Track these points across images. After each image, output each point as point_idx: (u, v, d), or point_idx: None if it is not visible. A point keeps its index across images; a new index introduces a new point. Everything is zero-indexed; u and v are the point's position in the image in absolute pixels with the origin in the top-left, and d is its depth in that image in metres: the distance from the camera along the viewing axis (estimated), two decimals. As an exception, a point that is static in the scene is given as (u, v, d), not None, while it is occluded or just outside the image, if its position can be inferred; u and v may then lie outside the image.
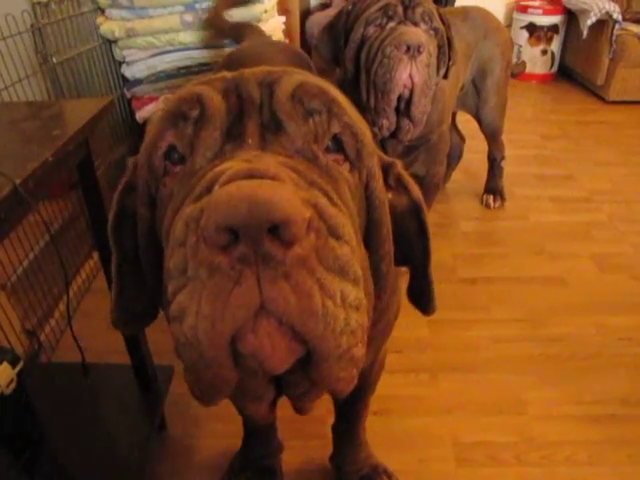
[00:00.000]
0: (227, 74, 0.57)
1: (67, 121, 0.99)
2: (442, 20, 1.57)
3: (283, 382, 0.51)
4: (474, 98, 2.28)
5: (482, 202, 2.52)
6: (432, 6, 1.54)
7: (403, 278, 0.83)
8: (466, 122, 2.68)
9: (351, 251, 0.46)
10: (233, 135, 0.51)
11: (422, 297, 0.76)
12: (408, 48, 1.43)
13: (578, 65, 4.11)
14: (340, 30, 1.59)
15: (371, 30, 1.51)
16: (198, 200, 0.45)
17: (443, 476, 1.36)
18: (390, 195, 0.66)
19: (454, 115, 2.52)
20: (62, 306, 1.90)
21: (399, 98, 1.52)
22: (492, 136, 2.41)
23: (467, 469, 1.38)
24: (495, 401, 1.55)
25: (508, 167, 2.59)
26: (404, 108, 1.54)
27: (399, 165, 0.68)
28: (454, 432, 1.47)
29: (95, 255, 2.14)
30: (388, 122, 1.57)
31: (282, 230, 0.39)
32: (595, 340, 1.77)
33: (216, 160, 0.50)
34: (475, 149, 2.80)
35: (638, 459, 1.40)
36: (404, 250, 0.69)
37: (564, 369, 1.66)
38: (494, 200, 2.49)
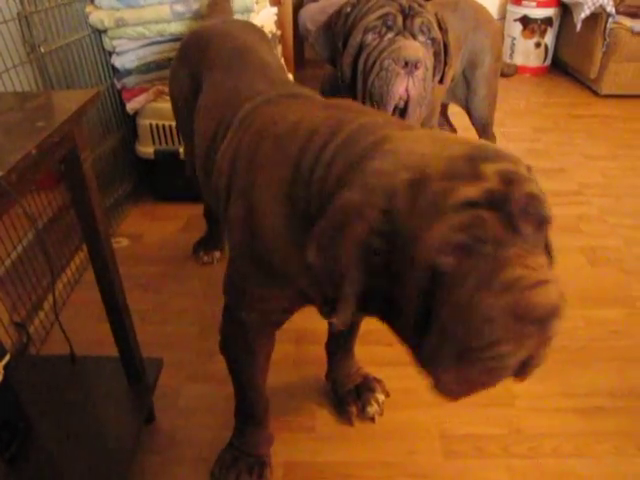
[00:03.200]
0: (493, 189, 0.70)
1: (52, 113, 0.98)
2: (440, 26, 1.57)
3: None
4: (464, 90, 2.27)
5: (474, 195, 2.51)
6: (431, 15, 1.53)
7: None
8: (457, 114, 2.67)
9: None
10: (501, 243, 0.69)
11: None
12: (406, 63, 1.44)
13: (571, 58, 4.11)
14: (338, 32, 1.57)
15: (369, 38, 1.50)
16: (507, 292, 0.67)
17: (431, 468, 1.37)
18: None
19: (445, 107, 2.51)
20: (52, 298, 1.88)
21: (395, 107, 1.53)
22: (482, 128, 2.41)
23: (455, 461, 1.39)
24: (483, 393, 1.55)
25: (500, 160, 2.58)
26: (399, 117, 1.55)
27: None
28: (442, 424, 1.48)
29: (85, 248, 2.13)
30: None
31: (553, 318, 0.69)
32: (584, 333, 1.78)
33: (500, 259, 0.69)
34: (467, 141, 2.79)
35: (624, 451, 1.41)
36: None
37: (552, 362, 1.63)
38: (485, 193, 2.49)
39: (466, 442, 1.43)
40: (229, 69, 1.39)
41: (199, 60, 1.53)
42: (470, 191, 0.69)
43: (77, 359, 1.45)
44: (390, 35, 1.49)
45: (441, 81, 1.66)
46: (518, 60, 4.24)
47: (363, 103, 1.54)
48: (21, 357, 1.58)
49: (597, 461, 1.39)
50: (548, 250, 0.80)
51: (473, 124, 2.40)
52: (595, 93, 3.84)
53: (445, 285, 0.70)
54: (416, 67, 1.45)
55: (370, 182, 0.74)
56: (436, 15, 1.56)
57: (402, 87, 1.48)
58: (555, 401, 1.54)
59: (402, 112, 1.53)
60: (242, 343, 1.18)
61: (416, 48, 1.46)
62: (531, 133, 3.30)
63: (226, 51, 1.46)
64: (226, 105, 1.28)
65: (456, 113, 2.66)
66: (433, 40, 1.53)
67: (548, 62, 4.29)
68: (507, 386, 1.57)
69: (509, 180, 0.70)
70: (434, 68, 1.57)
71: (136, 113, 2.33)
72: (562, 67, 4.32)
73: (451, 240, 0.68)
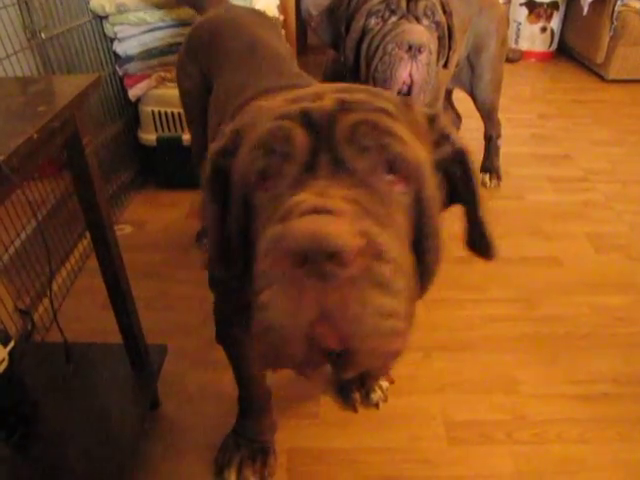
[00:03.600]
0: (306, 106, 0.67)
1: (53, 97, 0.97)
2: (444, 9, 1.55)
3: (333, 359, 0.61)
4: (468, 74, 2.25)
5: (478, 181, 2.50)
6: None
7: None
8: (462, 100, 2.65)
9: (394, 268, 0.58)
10: (310, 167, 0.63)
11: (482, 241, 0.81)
12: (410, 47, 1.42)
13: (578, 43, 4.07)
14: (341, 16, 1.56)
15: (373, 22, 1.49)
16: (280, 223, 0.57)
17: (434, 454, 1.37)
18: (435, 151, 0.73)
19: (450, 93, 2.49)
20: (55, 286, 1.89)
21: (399, 92, 1.51)
22: (487, 113, 2.39)
23: (459, 447, 1.39)
24: (488, 380, 1.56)
25: (504, 146, 2.57)
26: None
27: (441, 117, 0.75)
28: (446, 410, 1.47)
29: (89, 235, 2.13)
30: None
31: (338, 256, 0.51)
32: (589, 320, 1.77)
33: (296, 187, 0.62)
34: (471, 128, 2.78)
35: (628, 437, 1.41)
36: (453, 195, 0.78)
37: (557, 348, 1.66)
38: (490, 179, 2.48)
39: (470, 428, 1.43)
40: (239, 66, 1.37)
41: (209, 57, 1.50)
42: (290, 107, 0.67)
43: (80, 346, 1.46)
44: (394, 19, 1.47)
45: (445, 65, 1.65)
46: (523, 45, 4.20)
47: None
48: (26, 344, 1.58)
49: (602, 447, 1.39)
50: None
51: (478, 109, 2.38)
52: (602, 78, 3.80)
53: (253, 216, 0.68)
54: (420, 51, 1.43)
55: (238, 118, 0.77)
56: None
57: (406, 72, 1.46)
58: (559, 387, 1.54)
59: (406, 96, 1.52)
60: (233, 337, 1.19)
61: (420, 32, 1.44)
62: (536, 119, 3.27)
63: (236, 47, 1.43)
64: (229, 101, 1.27)
65: (460, 99, 2.63)
66: (437, 24, 1.52)
67: (554, 47, 4.25)
68: (511, 373, 1.58)
69: (342, 105, 0.66)
70: (438, 52, 1.55)
71: (138, 100, 2.31)
72: (568, 52, 4.28)
73: (255, 160, 0.65)
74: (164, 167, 2.41)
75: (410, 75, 1.46)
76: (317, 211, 0.54)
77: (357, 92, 0.70)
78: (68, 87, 0.99)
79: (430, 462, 1.36)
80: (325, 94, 0.69)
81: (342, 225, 0.53)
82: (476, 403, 1.49)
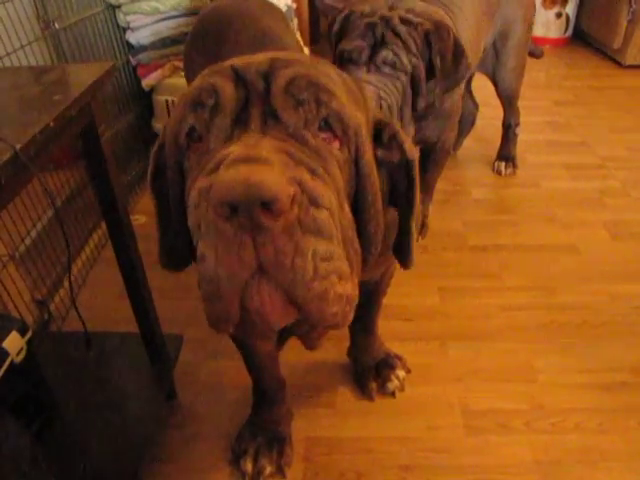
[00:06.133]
0: (237, 62, 0.66)
1: (69, 86, 0.96)
2: (429, 40, 1.52)
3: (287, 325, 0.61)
4: (493, 60, 2.22)
5: (494, 169, 2.48)
6: (410, 40, 1.50)
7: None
8: (480, 88, 2.62)
9: (329, 215, 0.57)
10: (241, 120, 0.62)
11: (402, 249, 0.81)
12: None
13: (594, 28, 4.00)
14: (332, 40, 1.63)
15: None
16: (209, 175, 0.56)
17: (452, 443, 1.37)
18: (382, 152, 0.74)
19: (470, 79, 2.46)
20: (72, 276, 1.90)
21: None
22: (508, 100, 2.36)
23: (476, 437, 1.38)
24: (505, 369, 1.55)
25: (520, 134, 2.54)
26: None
27: (395, 126, 0.75)
28: (463, 400, 1.46)
29: (104, 225, 2.14)
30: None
31: (271, 205, 0.50)
32: (607, 308, 1.75)
33: (227, 141, 0.61)
34: (488, 116, 2.75)
35: (650, 427, 1.40)
36: (395, 200, 0.79)
37: (575, 337, 1.64)
38: (506, 167, 2.46)
39: (488, 418, 1.42)
40: None
41: (215, 48, 1.47)
42: (220, 65, 0.66)
43: (97, 335, 1.47)
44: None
45: (415, 109, 1.60)
46: (538, 31, 4.13)
47: None
48: (42, 334, 1.59)
49: (621, 437, 1.37)
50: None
51: (499, 96, 2.36)
52: (618, 64, 3.74)
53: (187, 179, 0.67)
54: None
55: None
56: (426, 34, 1.51)
57: None
58: (578, 376, 1.52)
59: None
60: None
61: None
62: (552, 106, 3.23)
63: (243, 39, 1.42)
64: None
65: (478, 87, 2.60)
66: (405, 71, 1.50)
67: (569, 33, 4.18)
68: (529, 361, 1.56)
69: (274, 61, 0.65)
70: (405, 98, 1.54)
71: (152, 89, 2.31)
72: (584, 38, 4.21)
73: (184, 118, 0.64)
74: (178, 157, 2.41)
75: None
76: (247, 160, 0.52)
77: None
78: (83, 75, 0.98)
79: (448, 451, 1.35)
80: (257, 56, 0.68)
81: (273, 173, 0.51)
82: (494, 392, 1.48)
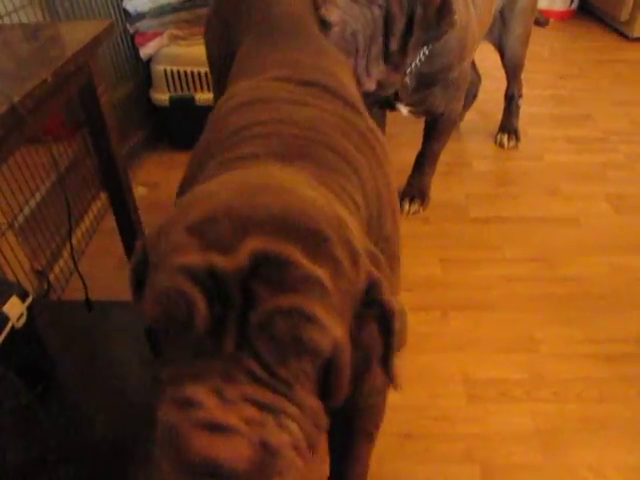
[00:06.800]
0: (216, 267, 0.54)
1: (65, 43, 0.94)
2: None
3: None
4: (499, 27, 2.19)
5: (496, 142, 2.46)
6: None
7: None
8: (481, 61, 2.59)
9: (293, 458, 0.56)
10: (214, 333, 0.55)
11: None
12: None
13: (600, 0, 3.93)
14: None
15: None
16: (174, 412, 0.54)
17: (453, 411, 1.37)
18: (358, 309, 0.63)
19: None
20: (70, 246, 1.89)
21: None
22: (513, 70, 2.34)
23: (478, 405, 1.38)
24: (506, 339, 1.55)
25: (523, 107, 2.51)
26: None
27: (377, 277, 0.63)
28: (465, 369, 1.47)
29: (103, 196, 2.13)
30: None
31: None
32: (609, 280, 1.74)
33: (197, 360, 0.55)
34: (490, 89, 2.71)
35: (650, 396, 1.40)
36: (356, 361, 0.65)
37: (577, 308, 1.64)
38: (508, 139, 2.43)
39: (489, 386, 1.42)
40: (270, 39, 1.18)
41: (239, 19, 1.32)
42: (193, 258, 0.54)
43: (97, 304, 1.46)
44: None
45: (386, 49, 1.49)
46: (543, 4, 4.06)
47: None
48: (42, 302, 1.58)
49: (622, 406, 1.38)
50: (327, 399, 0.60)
51: (504, 65, 2.33)
52: (625, 37, 3.68)
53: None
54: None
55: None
56: None
57: None
58: (579, 347, 1.52)
59: None
60: None
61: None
62: (555, 80, 3.18)
63: (275, 16, 1.25)
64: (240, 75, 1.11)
65: (480, 59, 2.56)
66: (380, 7, 1.41)
67: (575, 6, 4.11)
68: (530, 332, 1.56)
69: (256, 269, 0.53)
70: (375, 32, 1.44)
71: (150, 59, 2.27)
72: (590, 11, 4.13)
73: (155, 317, 0.57)
74: (177, 128, 2.38)
75: None
76: (211, 428, 0.51)
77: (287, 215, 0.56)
78: (80, 33, 0.96)
79: (449, 419, 1.35)
80: (237, 242, 0.54)
81: (237, 449, 0.51)
82: (495, 362, 1.48)
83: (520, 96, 2.43)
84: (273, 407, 0.55)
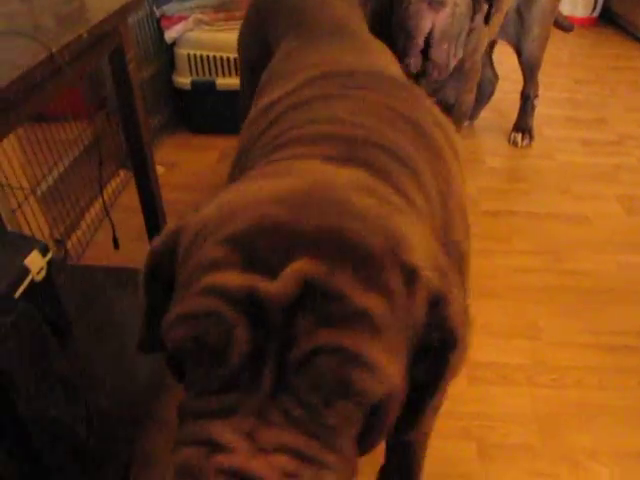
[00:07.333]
0: (258, 295, 0.47)
1: (100, 7, 0.99)
2: None
3: None
4: (516, 27, 2.21)
5: (510, 140, 2.48)
6: None
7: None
8: (500, 63, 2.62)
9: None
10: (246, 377, 0.48)
11: (406, 422, 0.60)
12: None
13: (622, 8, 3.93)
14: None
15: None
16: (194, 450, 0.47)
17: (454, 391, 1.36)
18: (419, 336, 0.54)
19: (492, 48, 2.45)
20: (88, 218, 1.94)
21: (426, 40, 1.55)
22: (530, 70, 2.36)
23: (478, 386, 1.41)
24: (510, 325, 1.57)
25: (539, 108, 2.53)
26: (427, 52, 1.58)
27: (449, 298, 0.54)
28: (468, 351, 1.49)
29: (122, 173, 2.18)
30: (414, 62, 1.60)
31: None
32: (615, 276, 1.77)
33: (225, 398, 0.48)
34: (507, 90, 2.74)
35: (648, 386, 1.42)
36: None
37: (582, 300, 1.66)
38: (522, 138, 2.46)
39: (490, 370, 1.45)
40: (311, 40, 1.12)
41: (280, 20, 1.27)
42: (232, 278, 0.47)
43: (113, 270, 1.50)
44: None
45: (486, 22, 1.64)
46: (565, 10, 4.06)
47: (396, 34, 1.57)
48: (62, 264, 1.63)
49: (620, 394, 1.40)
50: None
51: (521, 65, 2.35)
52: (643, 45, 3.69)
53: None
54: (441, 4, 1.47)
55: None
56: None
57: (424, 21, 1.50)
58: (581, 337, 1.55)
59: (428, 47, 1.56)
60: None
61: None
62: (572, 84, 3.20)
63: (317, 18, 1.19)
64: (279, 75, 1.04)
65: (498, 61, 2.59)
66: None
67: (597, 13, 4.12)
68: (534, 320, 1.59)
69: (302, 297, 0.46)
70: (474, 6, 1.55)
71: (174, 42, 2.32)
72: (612, 19, 4.14)
73: (184, 338, 0.49)
74: (197, 111, 2.43)
75: (432, 26, 1.49)
76: (240, 477, 0.44)
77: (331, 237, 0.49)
78: (110, 2, 1.01)
79: (449, 398, 1.36)
80: (283, 263, 0.47)
81: None
82: (498, 346, 1.51)
83: (536, 96, 2.45)
84: (312, 457, 0.48)
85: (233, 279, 0.47)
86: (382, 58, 1.13)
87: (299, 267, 0.46)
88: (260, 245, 0.48)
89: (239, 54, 1.51)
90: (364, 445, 0.54)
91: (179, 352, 0.51)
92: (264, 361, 0.47)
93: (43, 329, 1.00)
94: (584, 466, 1.26)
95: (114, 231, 1.26)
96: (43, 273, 1.16)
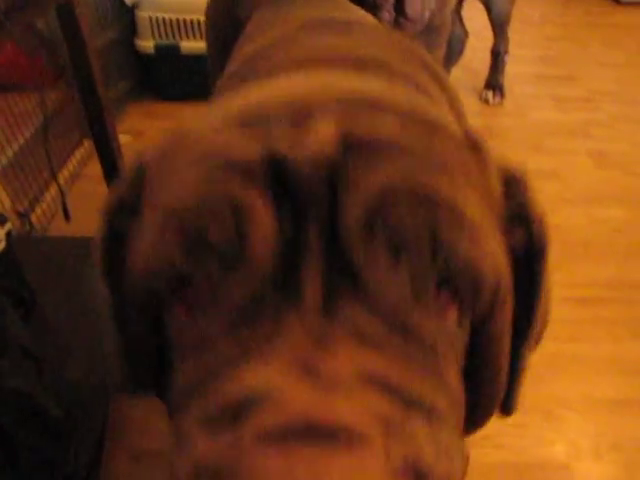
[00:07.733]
0: (283, 155, 0.32)
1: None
2: None
3: None
4: None
5: (481, 98, 2.47)
6: None
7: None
8: (469, 20, 2.58)
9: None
10: (281, 283, 0.31)
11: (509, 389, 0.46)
12: None
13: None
14: None
15: None
16: (215, 430, 0.28)
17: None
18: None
19: (461, 4, 2.41)
20: (52, 190, 1.89)
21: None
22: (500, 26, 2.34)
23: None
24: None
25: (509, 66, 2.51)
26: (399, 6, 1.54)
27: (524, 180, 0.45)
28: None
29: (86, 143, 2.12)
30: (387, 16, 1.55)
31: None
32: (586, 230, 1.78)
33: (251, 322, 0.30)
34: (477, 47, 2.71)
35: (619, 337, 1.44)
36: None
37: (554, 254, 1.66)
38: (493, 96, 2.44)
39: (464, 325, 1.46)
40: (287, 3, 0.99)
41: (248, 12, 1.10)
42: (247, 144, 0.33)
43: (79, 240, 1.46)
44: None
45: None
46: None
47: None
48: (24, 239, 1.59)
49: (592, 345, 1.42)
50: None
51: (491, 21, 2.33)
52: (616, 1, 3.67)
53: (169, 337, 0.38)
54: None
55: None
56: None
57: None
58: (555, 290, 1.55)
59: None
60: None
61: None
62: (543, 41, 3.19)
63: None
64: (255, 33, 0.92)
65: (467, 18, 2.55)
66: None
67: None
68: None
69: (348, 148, 0.32)
70: None
71: (134, 5, 2.24)
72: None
73: (166, 254, 0.33)
74: (163, 77, 2.36)
75: None
76: (306, 434, 0.25)
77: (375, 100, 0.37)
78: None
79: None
80: (315, 110, 0.34)
81: (371, 471, 0.25)
82: (470, 302, 1.52)
83: (506, 52, 2.43)
84: (413, 395, 0.29)
85: (240, 141, 0.32)
86: (360, 13, 1.07)
87: (333, 118, 0.33)
88: (278, 113, 0.34)
89: (207, 32, 1.37)
90: (476, 398, 0.37)
91: (158, 290, 0.34)
92: (303, 256, 0.30)
93: (1, 301, 0.97)
94: (556, 414, 1.27)
95: (64, 202, 1.23)
96: (3, 244, 1.13)
